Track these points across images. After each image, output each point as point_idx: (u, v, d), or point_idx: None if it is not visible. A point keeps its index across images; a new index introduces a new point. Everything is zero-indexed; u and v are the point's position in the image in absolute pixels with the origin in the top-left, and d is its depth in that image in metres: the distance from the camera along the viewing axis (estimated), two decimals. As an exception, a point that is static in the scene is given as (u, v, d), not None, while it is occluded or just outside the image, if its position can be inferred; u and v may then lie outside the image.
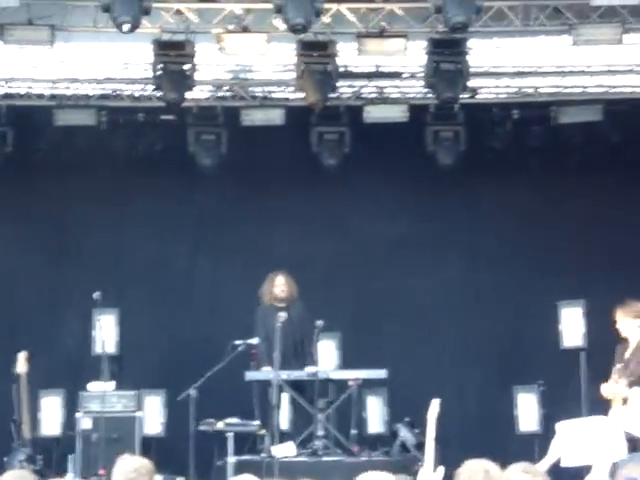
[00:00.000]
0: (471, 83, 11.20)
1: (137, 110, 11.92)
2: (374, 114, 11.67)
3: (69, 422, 11.04)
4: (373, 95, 11.99)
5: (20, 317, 11.86)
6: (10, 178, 11.73)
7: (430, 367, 11.68)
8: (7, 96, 11.69)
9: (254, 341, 10.65)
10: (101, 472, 10.11)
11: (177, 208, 12.22)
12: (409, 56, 10.87)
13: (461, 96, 11.05)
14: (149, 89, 11.48)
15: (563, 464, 8.93)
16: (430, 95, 11.27)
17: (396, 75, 11.87)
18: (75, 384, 11.15)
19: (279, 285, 10.83)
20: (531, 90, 12.02)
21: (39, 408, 11.17)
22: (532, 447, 10.32)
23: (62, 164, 11.90)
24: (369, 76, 11.84)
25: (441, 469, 8.04)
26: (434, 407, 8.79)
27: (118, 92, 11.87)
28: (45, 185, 12.00)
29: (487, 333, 12.02)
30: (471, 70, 10.84)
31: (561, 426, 9.17)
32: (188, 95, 11.00)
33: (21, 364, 10.62)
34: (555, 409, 10.38)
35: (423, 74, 11.02)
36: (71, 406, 11.09)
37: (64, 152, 11.88)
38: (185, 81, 10.71)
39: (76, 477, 10.42)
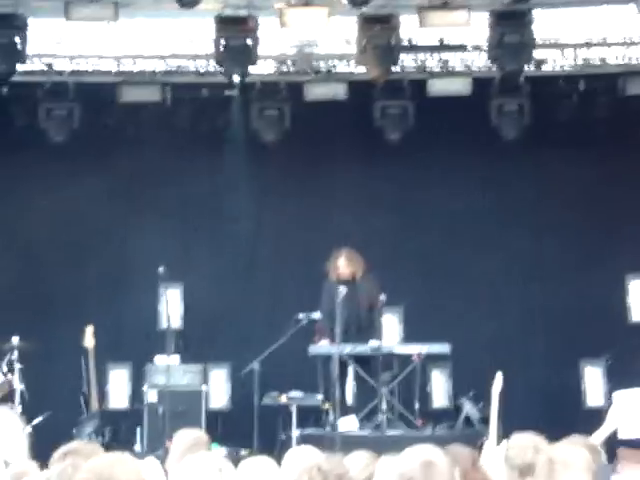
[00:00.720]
0: (536, 55, 11.06)
1: (201, 86, 11.96)
2: (438, 87, 11.58)
3: (136, 395, 11.19)
4: (436, 68, 11.88)
5: (87, 292, 12.01)
6: (77, 154, 11.86)
7: (494, 341, 11.61)
8: (74, 73, 11.79)
9: (316, 315, 10.69)
10: (168, 445, 10.21)
11: (241, 184, 12.26)
12: (472, 28, 10.76)
13: (526, 68, 10.92)
14: (213, 64, 11.50)
15: (620, 436, 8.81)
16: (494, 68, 11.15)
17: (460, 48, 11.74)
18: (142, 358, 11.29)
19: (341, 264, 10.83)
20: (597, 61, 11.82)
21: (107, 381, 11.34)
22: (598, 421, 10.22)
23: (127, 140, 11.99)
24: (432, 49, 11.73)
25: (506, 443, 7.99)
26: (498, 381, 8.76)
27: (182, 68, 11.92)
28: (111, 162, 12.10)
29: (553, 306, 11.91)
30: (536, 42, 10.69)
31: (619, 396, 9.03)
32: (251, 70, 11.02)
33: (89, 338, 10.78)
34: (622, 384, 10.26)
35: (487, 46, 10.90)
36: (138, 379, 11.23)
37: (129, 128, 11.96)
38: (248, 56, 10.72)
39: (144, 449, 10.56)
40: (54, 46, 11.62)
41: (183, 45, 11.79)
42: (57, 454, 5.08)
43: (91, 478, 3.68)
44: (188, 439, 5.71)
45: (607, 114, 11.79)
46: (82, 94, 11.71)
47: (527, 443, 5.29)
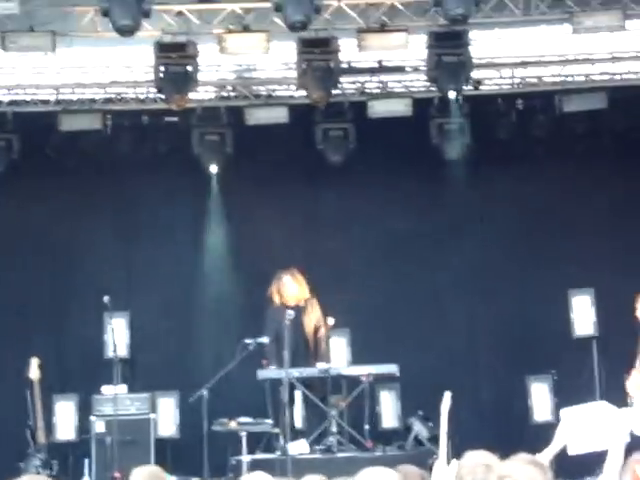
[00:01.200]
0: (474, 75, 11.19)
1: (141, 113, 11.94)
2: (378, 109, 11.66)
3: (83, 426, 11.08)
4: (376, 90, 11.98)
5: (32, 322, 11.89)
6: (16, 184, 11.76)
7: (441, 360, 11.67)
8: (12, 103, 11.72)
9: (264, 340, 10.66)
10: (116, 475, 10.14)
11: (182, 209, 12.24)
12: (411, 50, 10.86)
13: (464, 88, 11.04)
14: (153, 91, 11.47)
15: (570, 452, 8.89)
16: (433, 88, 11.26)
17: (399, 69, 11.86)
18: (88, 388, 11.19)
19: (286, 284, 10.79)
20: (535, 80, 11.99)
21: (53, 413, 11.22)
22: (546, 437, 10.30)
23: (68, 169, 11.91)
24: (372, 71, 11.83)
25: (455, 462, 8.02)
26: (446, 400, 8.79)
27: (122, 95, 11.89)
28: (51, 190, 12.02)
29: (498, 323, 12.01)
30: (473, 62, 10.82)
31: (566, 412, 9.12)
32: (191, 96, 11.02)
33: (34, 370, 10.67)
34: (568, 398, 10.36)
35: (425, 67, 11.01)
36: (85, 410, 11.13)
37: (70, 157, 11.90)
38: (188, 82, 10.72)
39: (91, 481, 10.46)
40: (-9, 76, 11.54)
41: (122, 72, 11.76)
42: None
43: None
44: (145, 475, 5.66)
45: (545, 131, 11.95)
46: (21, 124, 11.63)
47: (478, 461, 5.31)
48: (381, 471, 4.09)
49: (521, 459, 4.94)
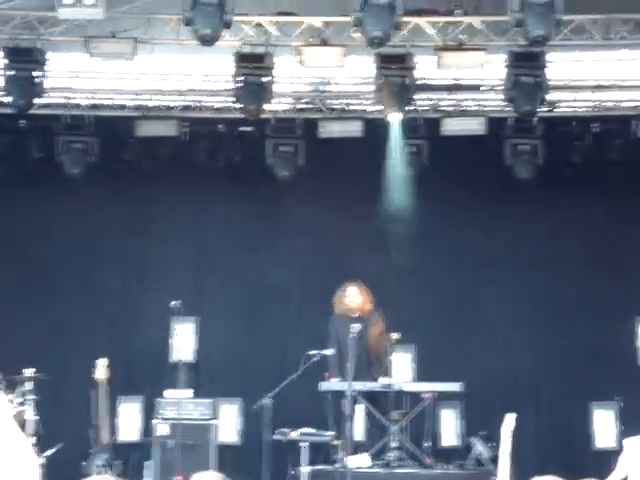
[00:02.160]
0: (550, 96, 11.15)
1: (217, 121, 12.07)
2: (452, 127, 11.67)
3: (146, 428, 11.21)
4: (451, 108, 11.98)
5: (101, 324, 12.07)
6: (93, 187, 11.96)
7: (505, 381, 11.62)
8: (93, 107, 11.93)
9: (328, 352, 10.69)
10: (178, 478, 10.23)
11: (255, 218, 12.34)
12: (488, 69, 10.85)
13: (540, 109, 11.00)
14: (229, 101, 11.61)
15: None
16: (509, 108, 11.23)
17: (474, 88, 11.85)
18: (153, 391, 11.31)
19: (350, 295, 10.82)
20: (611, 104, 11.90)
21: (117, 414, 11.36)
22: (609, 464, 10.19)
23: (144, 174, 12.10)
24: (447, 89, 11.84)
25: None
26: (509, 421, 8.75)
27: (199, 104, 12.03)
28: (127, 195, 12.21)
29: (563, 348, 11.91)
30: (550, 83, 10.78)
31: (629, 442, 9.03)
32: (267, 107, 11.13)
33: (101, 370, 10.81)
34: (633, 426, 10.24)
35: (502, 87, 10.99)
36: (149, 413, 11.25)
37: (146, 162, 12.08)
38: (264, 93, 10.83)
39: (153, 483, 10.57)
40: (73, 80, 11.75)
41: (200, 81, 11.91)
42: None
43: None
44: None
45: (620, 156, 11.85)
46: (100, 128, 11.83)
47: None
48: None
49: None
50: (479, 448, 10.54)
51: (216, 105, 12.05)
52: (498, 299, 12.04)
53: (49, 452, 9.96)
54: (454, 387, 10.58)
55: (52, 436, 10.40)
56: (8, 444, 2.16)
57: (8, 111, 11.21)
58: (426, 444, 10.39)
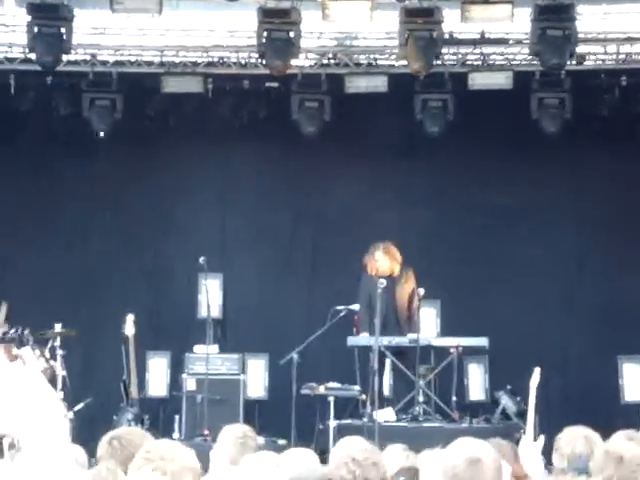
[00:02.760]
0: (578, 49, 11.04)
1: (242, 77, 12.03)
2: (479, 81, 11.57)
3: (175, 383, 11.30)
4: (478, 62, 11.89)
5: (129, 280, 12.14)
6: (119, 144, 11.98)
7: (532, 335, 11.60)
8: (117, 63, 11.91)
9: (355, 307, 10.75)
10: (206, 432, 10.33)
11: (280, 174, 12.34)
12: (515, 22, 10.75)
13: (567, 63, 10.90)
14: (254, 57, 11.56)
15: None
16: (536, 62, 11.14)
17: (501, 41, 11.74)
18: (181, 347, 11.39)
19: (379, 259, 10.87)
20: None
21: (146, 369, 11.45)
22: (637, 417, 10.21)
23: (169, 131, 12.10)
24: (474, 43, 11.73)
25: (542, 438, 8.03)
26: (536, 375, 8.77)
27: (224, 60, 11.99)
28: (152, 152, 12.22)
29: (591, 301, 11.90)
30: (578, 36, 10.68)
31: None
32: (292, 62, 11.07)
33: (129, 326, 10.89)
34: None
35: (529, 40, 10.89)
36: (177, 368, 11.34)
37: (171, 119, 12.07)
38: (290, 48, 10.78)
39: (182, 437, 10.66)
40: (98, 37, 11.73)
41: (226, 37, 11.86)
42: (105, 439, 5.17)
43: (153, 458, 3.76)
44: (235, 433, 5.77)
45: (649, 109, 11.74)
46: (125, 84, 11.82)
47: (579, 434, 5.33)
48: (475, 442, 4.06)
49: (624, 435, 4.93)
50: (506, 402, 10.58)
51: (242, 61, 12.00)
52: (524, 254, 12.00)
53: (78, 407, 10.06)
54: (481, 342, 10.62)
55: (82, 391, 10.51)
56: (37, 398, 2.20)
57: (34, 68, 11.21)
58: (453, 399, 10.45)
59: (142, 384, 11.17)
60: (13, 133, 11.89)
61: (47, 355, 9.76)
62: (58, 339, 10.13)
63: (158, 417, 11.06)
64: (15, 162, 12.05)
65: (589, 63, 11.88)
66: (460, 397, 10.76)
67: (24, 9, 10.76)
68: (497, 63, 11.86)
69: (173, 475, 3.69)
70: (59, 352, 10.08)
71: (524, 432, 8.75)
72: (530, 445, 7.86)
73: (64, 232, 12.13)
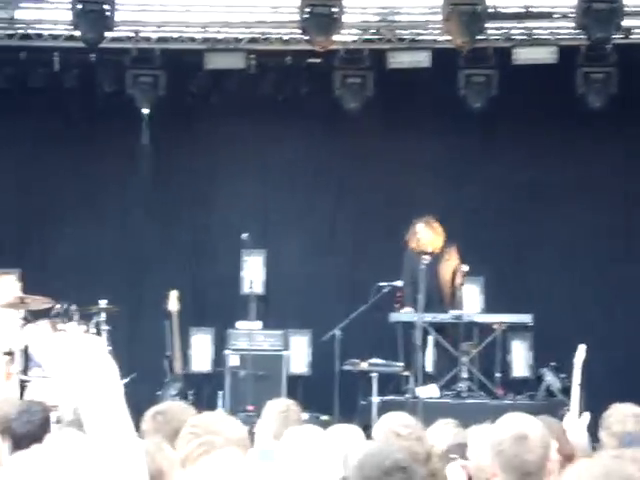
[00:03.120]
0: (624, 23, 10.90)
1: (285, 53, 12.01)
2: (523, 56, 11.47)
3: (218, 359, 11.36)
4: (522, 36, 11.78)
5: (172, 257, 12.19)
6: (163, 121, 12.01)
7: (576, 312, 11.54)
8: (160, 40, 11.92)
9: (398, 283, 10.74)
10: (249, 408, 10.37)
11: (323, 151, 12.31)
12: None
13: (613, 36, 10.77)
14: (297, 32, 11.53)
15: None
16: (581, 36, 11.02)
17: (546, 15, 11.62)
18: (224, 322, 11.43)
19: (420, 234, 10.84)
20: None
21: (190, 345, 11.51)
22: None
23: (211, 107, 12.11)
24: (518, 17, 11.62)
25: (587, 415, 7.97)
26: (581, 352, 8.71)
27: (267, 35, 11.97)
28: (194, 128, 12.24)
29: (636, 278, 11.79)
30: (625, 9, 10.54)
31: None
32: (335, 38, 11.03)
33: (173, 302, 10.95)
34: None
35: (574, 14, 10.77)
36: (220, 343, 11.39)
37: (214, 95, 12.08)
38: (333, 24, 10.73)
39: (226, 412, 10.71)
40: (141, 13, 11.75)
41: (268, 13, 11.84)
42: (149, 413, 5.20)
43: (199, 432, 3.77)
44: (279, 408, 5.80)
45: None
46: (168, 61, 11.83)
47: (628, 412, 5.29)
48: (523, 418, 4.02)
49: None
50: (550, 379, 10.53)
51: (284, 37, 11.96)
52: (569, 230, 11.92)
53: (123, 382, 10.12)
54: (525, 318, 10.57)
55: (127, 366, 10.58)
56: (94, 365, 2.21)
57: (78, 45, 11.26)
58: (497, 375, 10.42)
59: (186, 360, 11.24)
60: (57, 110, 11.96)
61: (92, 330, 9.84)
62: (103, 315, 10.19)
63: (202, 393, 11.12)
64: (59, 140, 12.12)
65: (635, 36, 11.72)
66: (504, 374, 10.72)
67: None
68: (542, 37, 11.74)
69: (220, 448, 3.70)
70: (104, 328, 10.15)
71: (568, 409, 8.70)
72: (575, 422, 7.82)
73: (108, 209, 12.21)
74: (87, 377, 2.41)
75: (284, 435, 5.39)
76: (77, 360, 2.41)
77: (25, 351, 9.32)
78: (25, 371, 9.27)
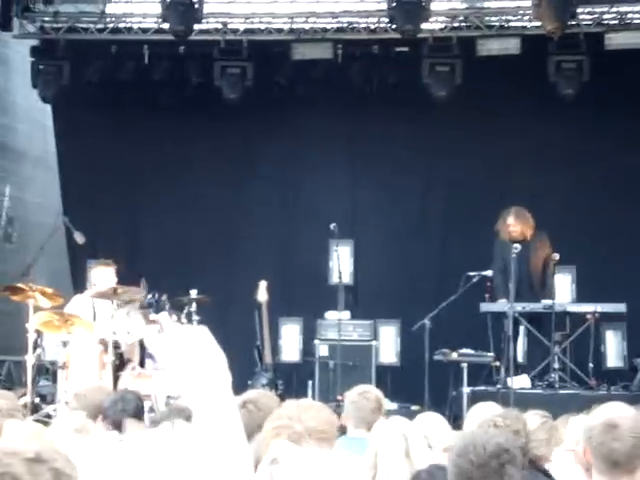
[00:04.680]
0: None
1: (372, 42, 11.96)
2: (615, 41, 11.26)
3: (307, 349, 11.38)
4: (614, 21, 11.56)
5: (262, 247, 12.25)
6: (249, 112, 12.06)
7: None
8: (247, 31, 11.98)
9: (488, 273, 10.64)
10: (339, 398, 10.36)
11: (412, 139, 12.25)
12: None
13: None
14: (384, 21, 11.48)
15: None
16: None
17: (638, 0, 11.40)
18: (313, 312, 11.45)
19: (511, 223, 10.72)
20: None
21: (279, 335, 11.56)
22: None
23: (299, 98, 12.11)
24: (610, 1, 11.41)
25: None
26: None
27: (354, 25, 11.94)
28: (283, 119, 12.26)
29: None
30: None
31: None
32: (423, 26, 10.95)
33: (262, 292, 10.99)
34: None
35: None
36: (309, 334, 11.41)
37: (301, 86, 12.08)
38: (421, 12, 10.66)
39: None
40: (229, 5, 11.82)
41: (355, 2, 11.81)
42: (238, 402, 5.21)
43: (283, 421, 3.76)
44: (357, 391, 5.81)
45: None
46: (255, 52, 11.88)
47: None
48: (620, 407, 3.96)
49: None
50: (645, 369, 10.34)
51: (371, 26, 11.92)
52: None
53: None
54: (619, 308, 10.39)
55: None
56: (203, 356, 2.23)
57: (167, 38, 11.36)
58: (590, 365, 10.26)
59: (275, 350, 11.28)
60: (147, 102, 12.08)
61: (184, 321, 9.93)
62: (194, 305, 10.28)
63: (291, 382, 11.15)
64: (150, 131, 12.26)
65: None
66: (597, 364, 10.56)
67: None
68: (635, 22, 11.51)
69: (298, 436, 3.69)
70: (195, 318, 10.24)
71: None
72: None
73: (198, 201, 12.30)
74: (198, 367, 2.41)
75: (373, 423, 5.39)
76: (188, 350, 2.42)
77: (141, 344, 9.47)
78: (142, 364, 9.44)
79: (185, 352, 2.44)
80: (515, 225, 10.71)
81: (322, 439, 3.87)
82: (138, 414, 6.16)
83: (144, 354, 9.47)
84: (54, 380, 9.62)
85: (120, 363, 9.32)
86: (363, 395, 5.77)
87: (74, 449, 4.06)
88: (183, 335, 2.48)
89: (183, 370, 2.44)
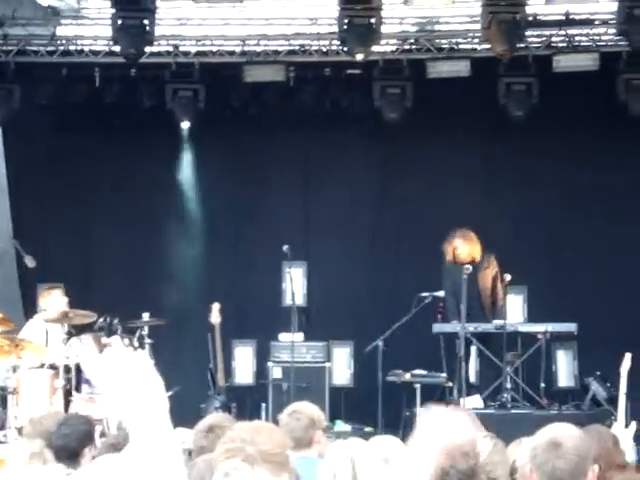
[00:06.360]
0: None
1: (324, 65, 12.01)
2: (564, 63, 11.38)
3: (261, 371, 11.36)
4: (563, 44, 11.70)
5: (214, 269, 12.21)
6: (202, 134, 12.05)
7: (622, 320, 11.40)
8: (199, 54, 11.97)
9: (440, 294, 10.69)
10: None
11: (363, 162, 12.30)
12: (600, 2, 10.56)
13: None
14: (336, 44, 11.53)
15: None
16: (622, 42, 10.92)
17: (587, 22, 11.53)
18: (266, 335, 11.44)
19: (458, 247, 10.80)
20: None
21: (232, 357, 11.53)
22: None
23: (252, 120, 12.13)
24: (559, 24, 11.55)
25: (634, 424, 7.89)
26: (627, 361, 8.62)
27: (306, 47, 11.98)
28: (235, 141, 12.27)
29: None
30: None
31: None
32: (374, 49, 11.01)
33: (215, 315, 10.97)
34: None
35: (615, 21, 10.68)
36: (262, 356, 11.40)
37: (253, 108, 12.10)
38: (371, 35, 10.72)
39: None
40: (180, 27, 11.81)
41: (306, 25, 11.85)
42: (201, 426, 5.19)
43: (236, 444, 3.75)
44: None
45: None
46: (207, 75, 11.88)
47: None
48: (564, 428, 3.97)
49: None
50: (596, 388, 10.43)
51: (323, 49, 11.97)
52: (610, 238, 11.80)
53: (167, 395, 10.13)
54: (569, 327, 10.48)
55: (170, 379, 10.59)
56: (140, 380, 2.21)
57: (118, 60, 11.32)
58: (541, 385, 10.33)
59: (228, 372, 11.25)
60: (99, 126, 12.03)
61: (135, 344, 9.88)
62: (146, 328, 10.23)
63: (245, 405, 11.12)
64: (101, 154, 12.20)
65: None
66: (548, 384, 10.63)
67: (108, 1, 10.87)
68: (583, 44, 11.66)
69: (251, 459, 3.67)
70: (147, 341, 10.19)
71: (615, 419, 8.63)
72: (622, 432, 7.74)
73: (150, 222, 12.24)
74: (133, 391, 2.41)
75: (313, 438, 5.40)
76: (124, 375, 2.41)
77: (77, 368, 9.38)
78: (78, 387, 9.33)
79: (121, 377, 2.43)
80: (462, 247, 10.79)
81: (275, 462, 3.85)
82: (83, 440, 6.04)
83: (80, 378, 9.36)
84: (4, 406, 9.51)
85: (71, 388, 9.24)
86: (292, 416, 5.74)
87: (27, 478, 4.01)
88: (119, 360, 2.47)
89: (119, 394, 2.43)
